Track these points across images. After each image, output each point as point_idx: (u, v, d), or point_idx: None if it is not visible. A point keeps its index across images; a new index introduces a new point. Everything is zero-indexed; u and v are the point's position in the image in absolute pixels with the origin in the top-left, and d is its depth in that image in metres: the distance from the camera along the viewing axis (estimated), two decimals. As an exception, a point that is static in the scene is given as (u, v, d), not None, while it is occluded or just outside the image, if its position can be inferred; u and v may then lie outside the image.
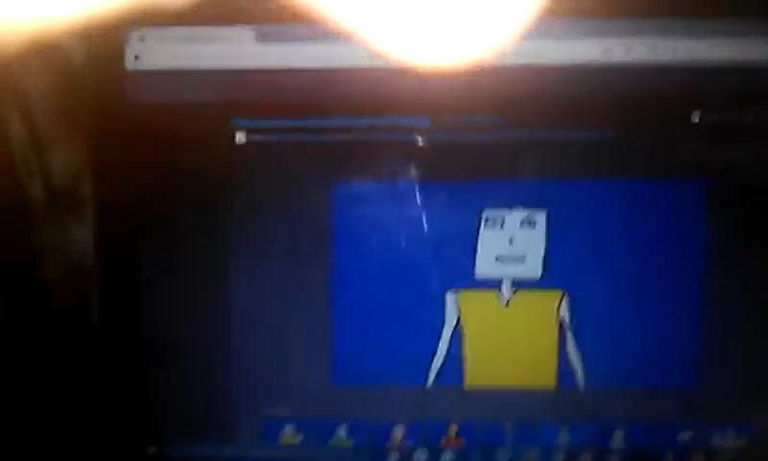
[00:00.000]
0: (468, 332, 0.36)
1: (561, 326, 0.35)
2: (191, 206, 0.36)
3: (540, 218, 0.35)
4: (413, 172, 0.35)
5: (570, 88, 0.34)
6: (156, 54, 0.35)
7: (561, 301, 0.35)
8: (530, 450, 0.36)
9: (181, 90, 0.35)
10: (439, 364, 0.36)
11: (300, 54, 0.35)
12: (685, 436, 0.35)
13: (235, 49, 0.35)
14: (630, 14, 0.34)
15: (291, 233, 0.36)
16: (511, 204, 0.35)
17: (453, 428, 0.36)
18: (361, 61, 0.34)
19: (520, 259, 0.36)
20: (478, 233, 0.35)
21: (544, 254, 0.35)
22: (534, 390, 0.36)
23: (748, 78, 0.34)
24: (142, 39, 0.35)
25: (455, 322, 0.36)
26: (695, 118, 0.34)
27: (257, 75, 0.35)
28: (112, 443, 0.37)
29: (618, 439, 0.36)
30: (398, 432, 0.36)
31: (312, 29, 0.34)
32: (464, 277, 0.36)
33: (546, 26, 0.34)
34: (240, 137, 0.35)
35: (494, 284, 0.36)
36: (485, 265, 0.36)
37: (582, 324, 0.35)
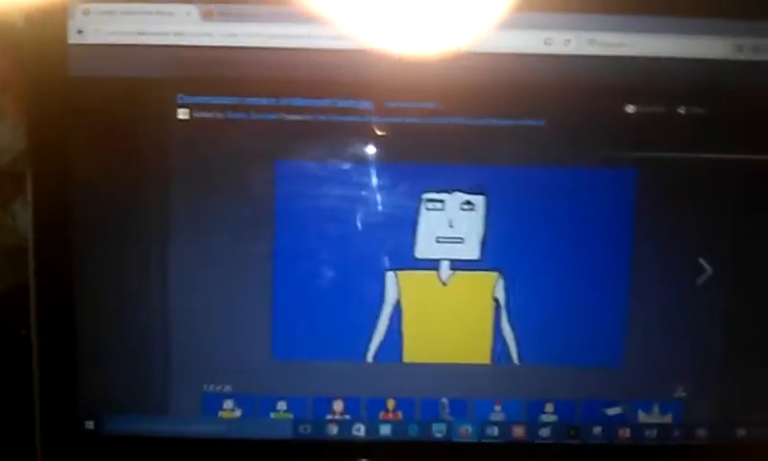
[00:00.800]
0: (407, 310, 0.37)
1: (496, 305, 0.36)
2: (132, 180, 0.36)
3: (479, 201, 0.36)
4: (356, 153, 0.36)
5: (509, 76, 0.35)
6: (100, 28, 0.35)
7: (496, 281, 0.36)
8: (465, 424, 0.37)
9: (125, 66, 0.35)
10: (378, 340, 0.37)
11: (245, 33, 0.35)
12: (613, 412, 0.37)
13: (180, 26, 0.35)
14: (571, 9, 0.35)
15: (233, 209, 0.36)
16: (451, 187, 0.36)
17: (391, 403, 0.37)
18: (306, 42, 0.35)
19: (459, 241, 0.37)
20: (419, 215, 0.36)
21: (482, 237, 0.36)
22: (469, 366, 0.37)
23: (681, 72, 0.35)
24: (86, 13, 0.35)
25: (394, 300, 0.36)
26: (628, 109, 0.36)
27: (201, 52, 0.35)
28: (48, 418, 0.37)
29: (549, 414, 0.37)
30: (338, 406, 0.37)
31: (258, 8, 0.35)
32: (404, 257, 0.36)
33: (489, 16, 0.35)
34: (183, 114, 0.35)
35: (433, 265, 0.37)
36: (425, 246, 0.37)
37: (516, 303, 0.36)
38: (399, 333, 0.37)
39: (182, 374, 0.37)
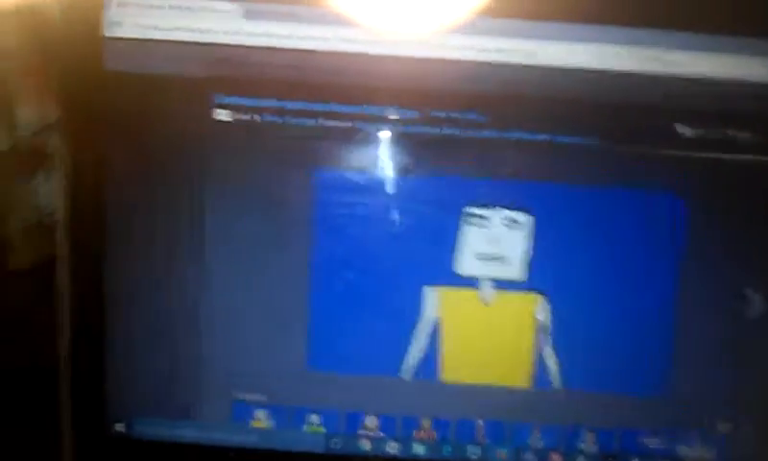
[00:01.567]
0: (446, 328, 0.35)
1: (538, 327, 0.35)
2: (165, 180, 0.35)
3: (524, 219, 0.35)
4: (398, 163, 0.34)
5: (560, 92, 0.34)
6: (137, 22, 0.33)
7: (540, 303, 0.35)
8: (501, 448, 0.36)
9: (161, 62, 0.33)
10: (415, 357, 0.36)
11: (288, 34, 0.33)
12: (653, 443, 0.36)
13: (220, 23, 0.33)
14: (626, 24, 0.33)
15: (270, 215, 0.35)
16: (494, 203, 0.35)
17: (426, 422, 0.36)
18: (352, 47, 0.33)
19: (501, 259, 0.35)
20: (459, 230, 0.35)
21: (526, 256, 0.35)
22: (508, 389, 0.36)
23: (735, 94, 0.33)
24: (122, 5, 0.33)
25: (432, 317, 0.35)
26: (680, 130, 0.34)
27: (242, 51, 0.33)
28: (78, 418, 0.36)
29: (588, 442, 0.36)
30: (371, 422, 0.36)
31: (304, 9, 0.33)
32: (443, 272, 0.35)
33: (542, 28, 0.33)
34: (220, 115, 0.34)
35: (474, 282, 0.35)
36: (465, 262, 0.35)
37: (559, 327, 0.35)
38: (437, 351, 0.36)
39: (214, 380, 0.36)
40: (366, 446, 0.36)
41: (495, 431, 0.36)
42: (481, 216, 0.35)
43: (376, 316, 0.36)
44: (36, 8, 0.35)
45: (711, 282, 0.35)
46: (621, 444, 0.36)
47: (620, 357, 0.35)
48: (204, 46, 0.33)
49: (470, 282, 0.35)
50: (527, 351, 0.35)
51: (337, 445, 0.36)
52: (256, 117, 0.34)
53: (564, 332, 0.35)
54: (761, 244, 0.35)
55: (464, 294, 0.35)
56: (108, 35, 0.33)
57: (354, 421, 0.36)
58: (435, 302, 0.35)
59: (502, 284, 0.35)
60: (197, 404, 0.36)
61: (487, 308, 0.35)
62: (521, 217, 0.35)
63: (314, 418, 0.36)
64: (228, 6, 0.33)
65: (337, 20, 0.33)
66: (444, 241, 0.35)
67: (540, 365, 0.35)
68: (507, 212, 0.35)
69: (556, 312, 0.35)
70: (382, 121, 0.34)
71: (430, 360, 0.36)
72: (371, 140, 0.34)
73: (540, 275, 0.35)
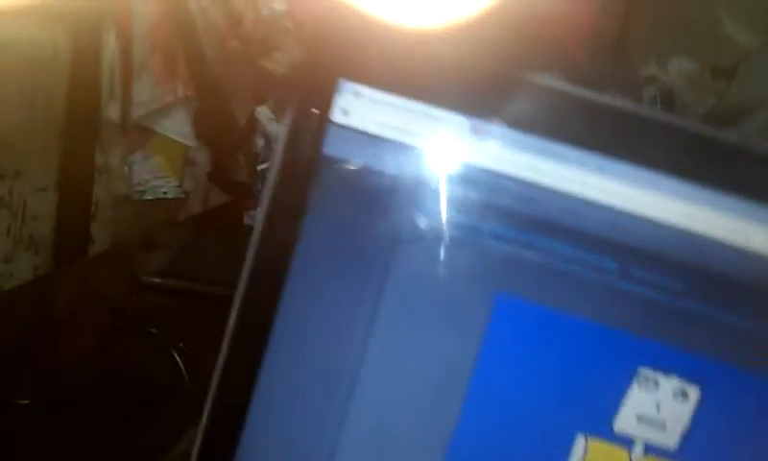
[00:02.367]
0: (591, 481, 0.35)
1: (685, 505, 0.35)
2: (349, 270, 0.35)
3: (694, 392, 0.34)
4: (585, 309, 0.34)
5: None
6: (367, 115, 0.33)
7: (693, 481, 0.35)
8: None
9: (378, 159, 0.33)
10: (553, 502, 0.35)
11: (509, 159, 0.33)
12: None
13: (446, 134, 0.33)
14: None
15: (440, 327, 0.35)
16: (671, 370, 0.34)
17: None
18: (565, 186, 0.33)
19: (661, 426, 0.35)
20: (629, 388, 0.34)
21: (685, 428, 0.35)
22: None
23: None
24: (357, 95, 0.33)
25: (579, 466, 0.35)
26: None
27: (462, 167, 0.33)
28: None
29: None
30: None
31: (531, 140, 0.33)
32: (601, 425, 0.35)
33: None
34: (422, 222, 0.34)
35: (626, 441, 0.35)
36: (625, 420, 0.35)
37: (708, 510, 0.34)
38: (577, 501, 0.35)
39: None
40: None
41: None
42: (655, 380, 0.34)
43: (520, 452, 0.35)
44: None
45: None
46: None
47: None
48: (422, 152, 0.33)
49: (624, 441, 0.35)
50: (671, 527, 0.35)
51: None
52: (454, 232, 0.34)
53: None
54: None
55: (615, 451, 0.35)
56: (334, 119, 0.33)
57: None
58: (584, 452, 0.35)
59: (655, 450, 0.35)
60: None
61: (637, 472, 0.35)
62: (692, 390, 0.34)
63: None
64: (458, 118, 0.33)
65: (562, 159, 0.33)
66: (610, 394, 0.35)
67: None
68: (680, 382, 0.34)
69: (708, 495, 0.34)
70: (580, 264, 0.34)
71: (569, 509, 0.35)
72: (563, 280, 0.34)
73: (694, 449, 0.35)
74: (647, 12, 0.72)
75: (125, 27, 0.62)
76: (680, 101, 0.61)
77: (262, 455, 0.36)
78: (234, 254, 0.75)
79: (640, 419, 0.35)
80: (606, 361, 0.34)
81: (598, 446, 0.35)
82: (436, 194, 0.34)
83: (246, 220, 0.64)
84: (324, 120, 0.33)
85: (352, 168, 0.34)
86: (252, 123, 0.69)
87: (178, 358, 0.52)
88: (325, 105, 0.33)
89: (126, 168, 0.77)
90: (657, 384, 0.34)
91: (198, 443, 0.36)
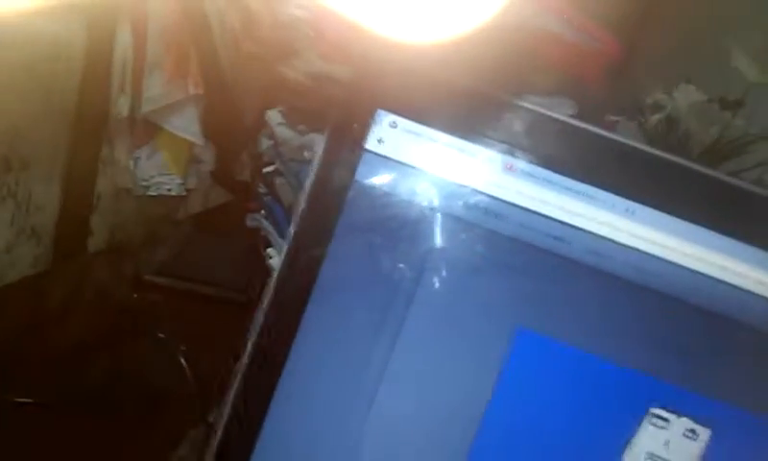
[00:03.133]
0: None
1: None
2: (374, 294, 0.35)
3: (703, 433, 0.35)
4: (602, 348, 0.35)
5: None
6: (401, 145, 0.33)
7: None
8: None
9: (410, 189, 0.34)
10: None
11: (540, 197, 0.34)
12: None
13: (478, 169, 0.34)
14: None
15: (460, 354, 0.35)
16: (682, 411, 0.35)
17: None
18: (597, 228, 0.34)
19: (670, 465, 0.36)
20: (640, 426, 0.35)
21: (693, 466, 0.35)
22: None
23: None
24: (393, 126, 0.33)
25: (589, 500, 0.36)
26: None
27: (491, 202, 0.34)
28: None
29: None
30: None
31: (561, 179, 0.34)
32: (611, 459, 0.35)
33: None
34: (447, 252, 0.34)
35: (636, 477, 0.36)
36: (634, 457, 0.35)
37: None
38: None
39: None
40: None
41: None
42: (665, 419, 0.35)
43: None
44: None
45: None
46: None
47: None
48: (453, 185, 0.34)
49: (633, 477, 0.36)
50: None
51: None
52: (480, 263, 0.34)
53: None
54: None
55: (623, 486, 0.36)
56: (369, 147, 0.33)
57: None
58: (594, 486, 0.36)
59: (661, 487, 0.36)
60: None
61: (644, 509, 0.36)
62: (703, 431, 0.35)
63: None
64: (491, 154, 0.34)
65: (589, 200, 0.34)
66: (620, 433, 0.35)
67: None
68: (690, 422, 0.35)
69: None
70: (599, 302, 0.34)
71: None
72: (582, 316, 0.35)
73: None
74: (656, 39, 0.73)
75: (140, 23, 0.62)
76: (684, 129, 0.62)
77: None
78: (235, 255, 0.75)
79: (649, 457, 0.35)
80: (619, 400, 0.35)
81: (608, 480, 0.35)
82: (464, 226, 0.34)
83: (249, 222, 0.63)
84: (360, 148, 0.33)
85: (383, 195, 0.34)
86: (260, 124, 0.69)
87: (183, 362, 0.52)
88: (362, 133, 0.33)
89: (131, 162, 0.77)
90: (667, 423, 0.35)
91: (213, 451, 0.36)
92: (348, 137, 0.33)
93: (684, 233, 0.34)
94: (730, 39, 0.62)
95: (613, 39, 0.48)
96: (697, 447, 0.35)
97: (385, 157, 0.34)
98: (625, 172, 0.33)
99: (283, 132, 0.61)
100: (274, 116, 0.65)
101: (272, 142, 0.65)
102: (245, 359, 0.36)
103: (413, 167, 0.34)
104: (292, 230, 0.34)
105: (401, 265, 0.35)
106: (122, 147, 0.72)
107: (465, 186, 0.34)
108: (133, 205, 0.76)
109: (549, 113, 0.33)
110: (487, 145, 0.33)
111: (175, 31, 0.68)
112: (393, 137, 0.33)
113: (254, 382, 0.36)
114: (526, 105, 0.33)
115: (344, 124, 0.33)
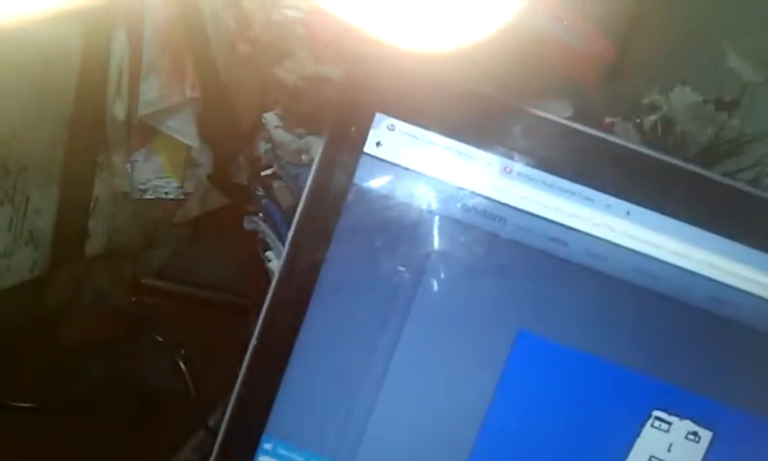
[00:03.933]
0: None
1: None
2: (373, 295, 0.35)
3: (705, 436, 0.35)
4: (604, 350, 0.35)
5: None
6: (398, 148, 0.33)
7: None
8: None
9: (407, 192, 0.34)
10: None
11: (538, 200, 0.34)
12: None
13: (475, 172, 0.34)
14: None
15: (464, 354, 0.35)
16: (684, 414, 0.35)
17: None
18: (594, 230, 0.34)
19: (672, 466, 0.36)
20: (642, 428, 0.35)
21: (694, 468, 0.35)
22: None
23: None
24: (391, 129, 0.33)
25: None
26: None
27: (489, 204, 0.34)
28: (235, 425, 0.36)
29: None
30: None
31: (557, 180, 0.34)
32: (613, 462, 0.36)
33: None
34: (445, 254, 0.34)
35: (637, 479, 0.36)
36: (637, 460, 0.36)
37: None
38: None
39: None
40: None
41: None
42: (668, 422, 0.35)
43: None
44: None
45: None
46: None
47: None
48: (451, 187, 0.34)
49: (634, 479, 0.36)
50: None
51: None
52: (480, 266, 0.34)
53: None
54: None
55: (625, 488, 0.36)
56: (367, 150, 0.33)
57: None
58: (595, 487, 0.36)
59: (662, 489, 0.36)
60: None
61: (646, 511, 0.36)
62: (705, 433, 0.35)
63: None
64: (489, 157, 0.34)
65: (588, 203, 0.34)
66: (623, 435, 0.35)
67: None
68: (692, 425, 0.35)
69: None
70: (599, 304, 0.34)
71: None
72: (583, 319, 0.35)
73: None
74: (651, 40, 0.73)
75: (136, 27, 0.61)
76: (680, 130, 0.62)
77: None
78: (233, 259, 0.75)
79: (652, 459, 0.36)
80: (621, 402, 0.35)
81: (609, 482, 0.36)
82: (463, 229, 0.34)
83: (247, 225, 0.63)
84: (358, 151, 0.33)
85: (382, 198, 0.34)
86: (257, 127, 0.69)
87: (182, 365, 0.52)
88: (360, 136, 0.33)
89: (128, 166, 0.77)
90: (669, 425, 0.35)
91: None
92: (346, 141, 0.33)
93: (682, 234, 0.34)
94: (725, 40, 0.62)
95: (606, 41, 0.48)
96: (699, 449, 0.35)
97: (383, 160, 0.34)
98: (622, 174, 0.33)
99: (281, 134, 0.61)
100: (271, 119, 0.65)
101: (269, 145, 0.64)
102: (245, 364, 0.36)
103: (411, 170, 0.34)
104: (291, 233, 0.34)
105: (401, 268, 0.35)
106: (119, 151, 0.72)
107: (463, 189, 0.34)
108: (131, 208, 0.76)
109: (546, 116, 0.33)
110: (485, 148, 0.33)
111: (171, 34, 0.68)
112: (391, 141, 0.33)
113: (255, 387, 0.36)
114: (524, 107, 0.33)
115: (342, 127, 0.33)
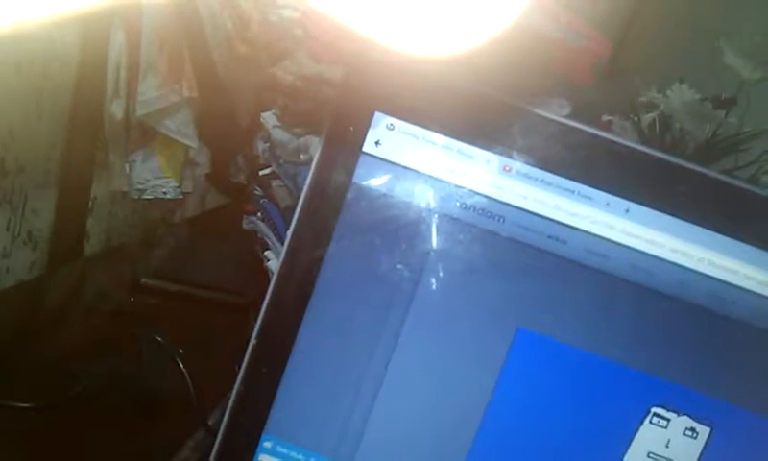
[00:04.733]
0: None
1: None
2: (374, 294, 0.35)
3: (703, 432, 0.35)
4: (602, 347, 0.35)
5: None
6: (398, 147, 0.34)
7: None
8: None
9: (407, 191, 0.34)
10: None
11: (538, 199, 0.34)
12: None
13: (474, 170, 0.34)
14: None
15: (463, 350, 0.35)
16: (681, 410, 0.35)
17: None
18: (593, 227, 0.34)
19: (669, 462, 0.36)
20: (641, 425, 0.35)
21: (693, 464, 0.36)
22: None
23: None
24: (390, 128, 0.33)
25: (590, 499, 0.36)
26: None
27: (489, 203, 0.34)
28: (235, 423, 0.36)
29: None
30: None
31: (556, 179, 0.34)
32: (612, 459, 0.36)
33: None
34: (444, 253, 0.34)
35: (636, 475, 0.36)
36: (635, 457, 0.36)
37: None
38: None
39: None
40: None
41: None
42: (666, 418, 0.35)
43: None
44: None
45: None
46: None
47: None
48: (450, 186, 0.34)
49: (633, 475, 0.36)
50: None
51: None
52: (479, 264, 0.34)
53: None
54: None
55: (625, 486, 0.36)
56: (366, 150, 0.34)
57: None
58: (595, 485, 0.36)
59: (661, 486, 0.36)
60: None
61: (645, 507, 0.36)
62: (702, 429, 0.35)
63: None
64: (488, 156, 0.34)
65: (587, 201, 0.34)
66: (621, 431, 0.35)
67: None
68: (691, 421, 0.35)
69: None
70: (598, 301, 0.34)
71: None
72: (581, 316, 0.35)
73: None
74: (649, 39, 0.73)
75: (134, 27, 0.62)
76: (678, 127, 0.62)
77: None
78: (232, 258, 0.75)
79: (650, 455, 0.36)
80: (620, 399, 0.35)
81: (608, 479, 0.36)
82: (462, 227, 0.34)
83: (245, 225, 0.63)
84: (357, 150, 0.33)
85: (381, 197, 0.34)
86: (255, 127, 0.69)
87: (181, 364, 0.52)
88: (359, 136, 0.33)
89: (126, 166, 0.77)
90: (668, 422, 0.35)
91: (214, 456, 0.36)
92: (345, 140, 0.33)
93: (680, 232, 0.34)
94: (722, 38, 0.62)
95: (604, 39, 0.48)
96: (697, 445, 0.35)
97: (382, 159, 0.34)
98: (621, 172, 0.33)
99: (279, 134, 0.61)
100: (269, 118, 0.65)
101: (267, 144, 0.65)
102: (244, 363, 0.36)
103: (410, 169, 0.34)
104: (290, 233, 0.34)
105: (400, 267, 0.35)
106: (117, 151, 0.72)
107: (462, 188, 0.34)
108: (129, 208, 0.76)
109: (545, 114, 0.33)
110: (484, 147, 0.33)
111: (169, 34, 0.68)
112: (390, 140, 0.33)
113: (254, 386, 0.36)
114: (522, 106, 0.33)
115: (340, 127, 0.33)
